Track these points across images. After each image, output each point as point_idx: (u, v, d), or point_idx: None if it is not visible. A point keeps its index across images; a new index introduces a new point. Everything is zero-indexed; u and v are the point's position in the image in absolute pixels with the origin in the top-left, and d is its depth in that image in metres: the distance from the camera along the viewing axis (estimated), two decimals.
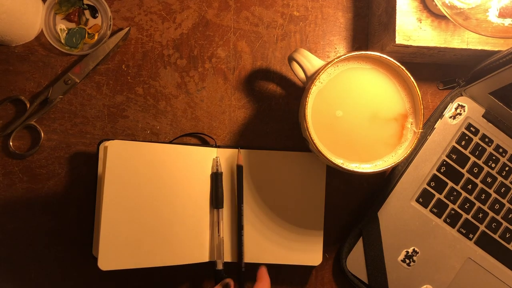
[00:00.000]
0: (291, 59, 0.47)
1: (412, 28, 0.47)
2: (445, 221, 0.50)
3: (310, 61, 0.45)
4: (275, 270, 0.51)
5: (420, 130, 0.45)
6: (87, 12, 0.52)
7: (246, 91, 0.53)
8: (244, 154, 0.50)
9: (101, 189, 0.46)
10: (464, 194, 0.51)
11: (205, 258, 0.49)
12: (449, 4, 0.44)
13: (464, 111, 0.52)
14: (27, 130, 0.51)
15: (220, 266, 0.48)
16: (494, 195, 0.51)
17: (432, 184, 0.51)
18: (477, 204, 0.51)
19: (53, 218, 0.51)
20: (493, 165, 0.51)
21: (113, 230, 0.45)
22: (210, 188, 0.50)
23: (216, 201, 0.49)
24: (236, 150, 0.50)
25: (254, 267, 0.49)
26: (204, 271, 0.51)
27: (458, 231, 0.51)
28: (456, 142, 0.51)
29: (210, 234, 0.49)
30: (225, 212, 0.50)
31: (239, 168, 0.50)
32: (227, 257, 0.49)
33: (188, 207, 0.48)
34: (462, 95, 0.52)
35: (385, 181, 0.52)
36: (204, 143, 0.52)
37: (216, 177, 0.49)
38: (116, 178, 0.46)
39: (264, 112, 0.53)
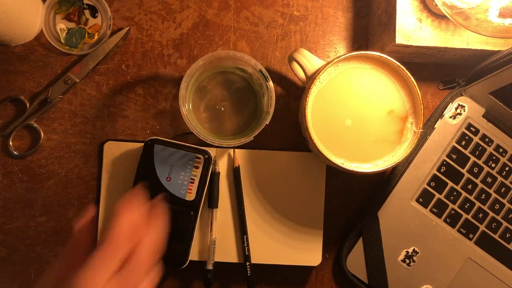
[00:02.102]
0: (291, 59, 0.47)
1: (412, 28, 0.47)
2: (445, 221, 0.50)
3: (310, 61, 0.45)
4: (275, 270, 0.51)
5: (420, 130, 0.45)
6: (87, 12, 0.52)
7: None
8: (244, 154, 0.50)
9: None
10: (464, 194, 0.51)
11: (195, 257, 0.49)
12: (449, 4, 0.44)
13: (464, 111, 0.52)
14: (27, 130, 0.51)
15: (209, 266, 0.48)
16: (494, 195, 0.51)
17: (432, 184, 0.51)
18: (477, 204, 0.51)
19: (53, 218, 0.51)
20: (493, 165, 0.51)
21: None
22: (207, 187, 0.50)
23: (210, 201, 0.49)
24: (236, 150, 0.50)
25: (254, 268, 0.49)
26: (196, 269, 0.51)
27: (458, 231, 0.51)
28: (456, 142, 0.51)
29: (203, 234, 0.50)
30: (225, 212, 0.50)
31: (236, 170, 0.50)
32: (225, 257, 0.49)
33: None
34: (462, 95, 0.52)
35: (385, 181, 0.52)
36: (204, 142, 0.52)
37: (212, 177, 0.49)
38: (112, 176, 0.50)
39: None
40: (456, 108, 0.52)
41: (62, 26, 0.52)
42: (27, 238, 0.51)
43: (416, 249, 0.50)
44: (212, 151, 0.50)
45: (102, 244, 0.33)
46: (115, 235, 0.34)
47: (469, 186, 0.51)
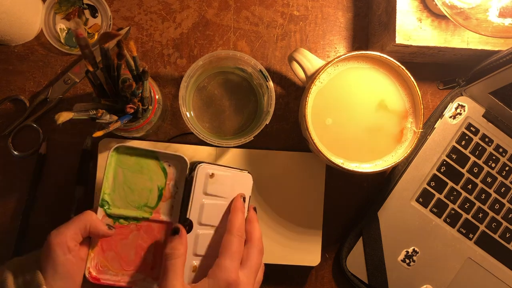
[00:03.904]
0: (291, 58, 0.47)
1: (412, 28, 0.47)
2: (445, 221, 0.50)
3: (310, 60, 0.45)
4: (275, 270, 0.51)
5: (420, 130, 0.45)
6: (87, 12, 0.52)
7: None
8: (244, 154, 0.50)
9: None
10: (464, 194, 0.51)
11: None
12: (449, 4, 0.44)
13: (464, 111, 0.52)
14: (26, 129, 0.51)
15: None
16: (494, 195, 0.51)
17: (432, 184, 0.51)
18: (477, 204, 0.51)
19: (53, 218, 0.51)
20: (493, 165, 0.51)
21: None
22: None
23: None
24: (236, 150, 0.50)
25: None
26: None
27: (458, 231, 0.51)
28: (456, 142, 0.51)
29: None
30: None
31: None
32: None
33: None
34: (462, 95, 0.52)
35: (385, 181, 0.52)
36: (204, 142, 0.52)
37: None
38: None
39: None
40: (456, 108, 0.52)
41: (62, 26, 0.52)
42: (27, 238, 0.51)
43: (416, 249, 0.50)
44: (212, 151, 0.50)
45: (229, 236, 0.39)
46: (236, 229, 0.40)
47: (469, 186, 0.51)
